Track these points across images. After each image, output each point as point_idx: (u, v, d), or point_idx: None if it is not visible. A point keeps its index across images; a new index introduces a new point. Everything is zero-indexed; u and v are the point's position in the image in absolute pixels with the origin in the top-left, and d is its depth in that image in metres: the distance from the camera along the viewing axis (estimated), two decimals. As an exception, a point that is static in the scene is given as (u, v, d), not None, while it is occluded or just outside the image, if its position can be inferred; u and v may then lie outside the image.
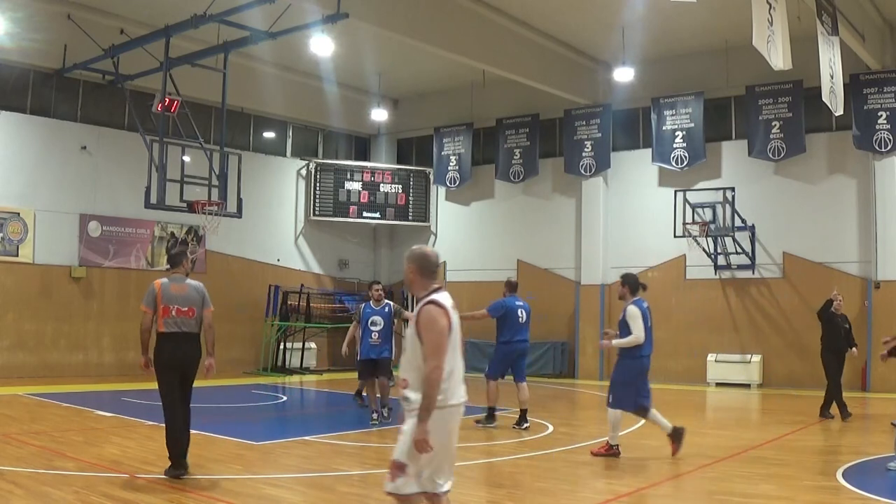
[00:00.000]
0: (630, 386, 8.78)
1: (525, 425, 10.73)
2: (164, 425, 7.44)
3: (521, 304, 11.14)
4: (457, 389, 4.50)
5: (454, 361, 4.48)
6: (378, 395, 11.04)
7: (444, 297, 4.52)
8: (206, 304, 7.62)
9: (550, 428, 10.88)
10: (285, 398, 14.63)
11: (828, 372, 11.90)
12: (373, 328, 10.86)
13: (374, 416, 10.92)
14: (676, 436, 8.74)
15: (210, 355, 7.49)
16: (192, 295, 7.50)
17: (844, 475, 7.57)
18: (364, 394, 12.26)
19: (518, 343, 11.05)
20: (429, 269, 4.63)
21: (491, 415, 11.02)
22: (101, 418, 10.91)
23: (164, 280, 7.52)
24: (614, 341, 8.85)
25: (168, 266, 7.78)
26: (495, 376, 11.10)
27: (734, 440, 10.01)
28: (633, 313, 8.68)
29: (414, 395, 4.39)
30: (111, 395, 13.47)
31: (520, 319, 11.00)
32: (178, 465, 7.26)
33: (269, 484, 7.30)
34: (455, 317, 4.53)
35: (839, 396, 11.80)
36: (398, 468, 4.41)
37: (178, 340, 7.38)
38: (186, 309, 7.43)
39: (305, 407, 14.62)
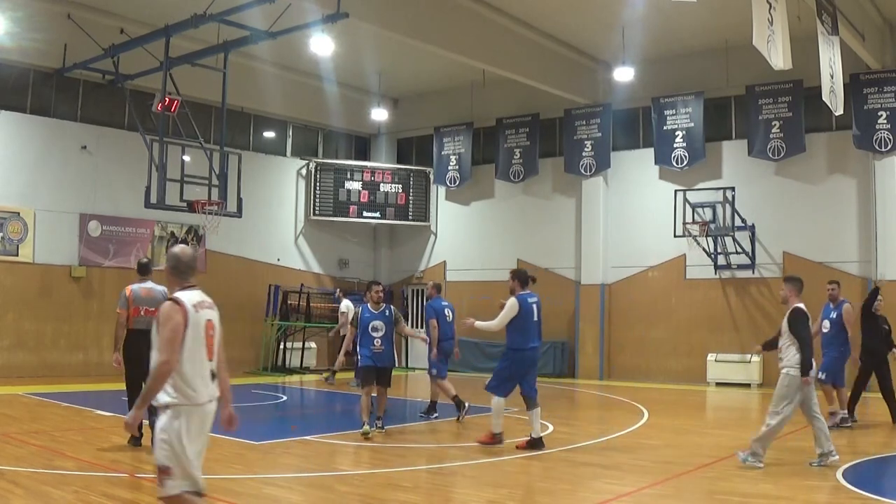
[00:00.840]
0: (511, 374, 9.28)
1: (434, 415, 11.65)
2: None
3: (446, 304, 12.01)
4: (205, 388, 4.57)
5: (200, 360, 4.56)
6: (375, 404, 10.19)
7: (188, 296, 4.62)
8: None
9: (550, 428, 10.87)
10: (285, 398, 14.62)
11: (860, 370, 11.36)
12: (374, 334, 9.93)
13: (366, 425, 9.86)
14: (535, 443, 9.12)
15: None
16: (158, 297, 8.64)
17: (844, 475, 7.56)
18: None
19: (449, 341, 11.81)
20: (179, 269, 4.76)
21: (459, 404, 11.40)
22: (101, 418, 10.91)
23: (134, 286, 8.95)
24: (476, 322, 9.46)
25: (138, 273, 9.20)
26: (444, 374, 11.78)
27: (734, 440, 10.00)
28: (509, 303, 9.19)
29: (161, 395, 4.46)
30: (111, 394, 13.44)
31: (447, 319, 11.81)
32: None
33: (269, 484, 7.30)
34: (198, 315, 4.58)
35: (855, 398, 11.38)
36: (164, 472, 4.47)
37: (144, 335, 8.33)
38: (153, 309, 8.34)
39: (305, 407, 14.62)
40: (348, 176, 21.52)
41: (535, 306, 9.30)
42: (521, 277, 9.41)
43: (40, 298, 16.32)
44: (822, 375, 10.86)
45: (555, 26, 17.33)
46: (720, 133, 18.35)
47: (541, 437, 9.20)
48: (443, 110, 21.95)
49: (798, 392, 7.97)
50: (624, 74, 17.35)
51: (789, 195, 17.24)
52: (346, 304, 17.14)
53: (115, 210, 17.41)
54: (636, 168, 19.18)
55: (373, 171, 21.84)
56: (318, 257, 21.65)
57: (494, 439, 9.25)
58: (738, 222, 16.81)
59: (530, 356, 9.34)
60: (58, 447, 8.52)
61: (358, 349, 10.18)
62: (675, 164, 18.24)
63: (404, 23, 14.88)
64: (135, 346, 8.65)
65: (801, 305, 8.32)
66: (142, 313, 8.79)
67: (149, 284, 9.03)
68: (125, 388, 8.86)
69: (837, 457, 8.01)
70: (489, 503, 6.73)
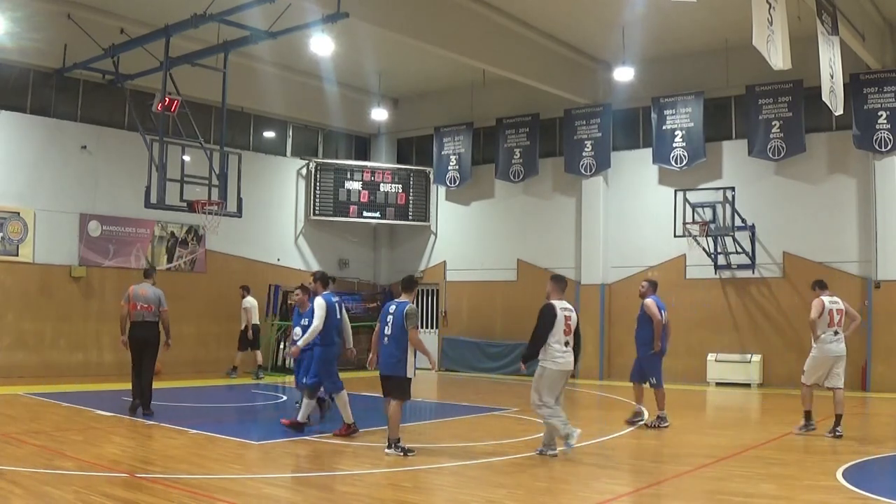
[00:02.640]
0: (331, 366, 9.90)
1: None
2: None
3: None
4: None
5: None
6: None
7: None
8: (162, 305, 11.16)
9: (550, 428, 10.86)
10: (285, 398, 14.62)
11: None
12: None
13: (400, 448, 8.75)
14: (297, 427, 9.83)
15: (168, 338, 11.27)
16: (151, 297, 11.12)
17: (844, 475, 7.57)
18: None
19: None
20: None
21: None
22: (101, 418, 10.91)
23: (135, 286, 11.29)
24: (300, 342, 10.06)
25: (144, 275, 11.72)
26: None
27: (734, 440, 10.01)
28: (318, 303, 9.93)
29: None
30: (111, 394, 13.46)
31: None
32: (135, 406, 11.03)
33: (269, 484, 7.30)
34: None
35: None
36: None
37: (141, 325, 11.06)
38: (147, 306, 11.08)
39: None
40: (348, 176, 21.52)
41: (337, 305, 10.14)
42: (323, 279, 10.30)
43: (40, 298, 16.31)
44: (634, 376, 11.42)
45: (555, 26, 17.32)
46: (720, 133, 18.34)
47: (354, 422, 9.75)
48: (443, 110, 21.94)
49: (558, 379, 8.62)
50: (624, 74, 17.34)
51: (789, 195, 17.23)
52: (248, 301, 17.73)
53: (115, 210, 17.41)
54: (636, 168, 19.17)
55: (373, 171, 21.84)
56: (318, 257, 21.63)
57: (350, 429, 9.77)
58: (738, 222, 16.80)
59: (335, 351, 10.12)
60: (58, 447, 8.52)
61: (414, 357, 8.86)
62: (673, 163, 18.24)
63: (404, 23, 14.88)
64: (134, 334, 11.06)
65: (553, 302, 8.72)
66: (138, 308, 11.03)
67: (145, 285, 11.28)
68: (131, 365, 11.22)
69: (555, 452, 8.58)
70: (489, 503, 6.73)
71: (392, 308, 8.89)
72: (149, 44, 14.94)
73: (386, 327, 8.80)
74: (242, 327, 17.65)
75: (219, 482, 7.19)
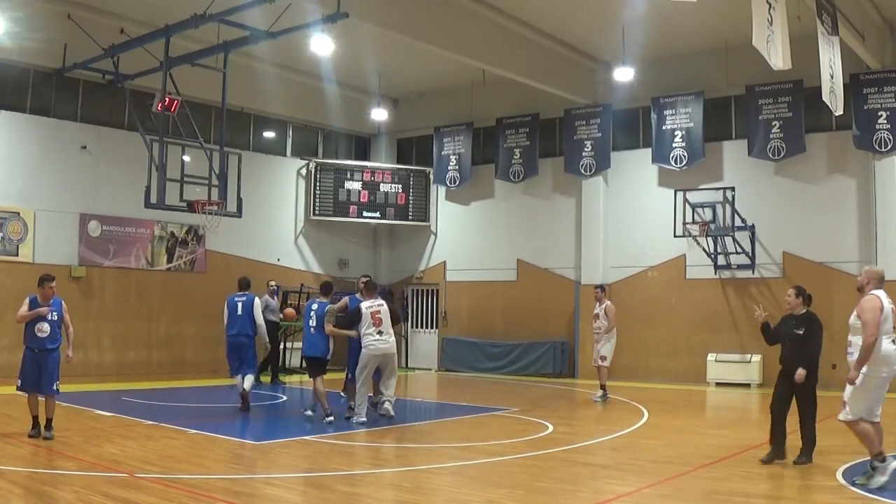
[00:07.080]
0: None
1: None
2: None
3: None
4: None
5: None
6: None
7: None
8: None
9: (550, 428, 10.88)
10: (285, 398, 14.62)
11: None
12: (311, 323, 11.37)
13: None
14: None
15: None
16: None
17: (844, 475, 7.56)
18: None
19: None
20: None
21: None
22: (101, 418, 10.92)
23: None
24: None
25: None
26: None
27: (734, 440, 10.01)
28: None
29: None
30: (111, 395, 13.46)
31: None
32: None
33: (269, 484, 7.30)
34: None
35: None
36: None
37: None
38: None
39: (305, 407, 14.59)
40: (348, 176, 21.52)
41: (239, 304, 11.90)
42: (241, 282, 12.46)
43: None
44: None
45: (555, 26, 17.32)
46: (720, 133, 18.34)
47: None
48: (443, 110, 21.94)
49: (370, 362, 10.64)
50: (624, 74, 17.33)
51: (789, 195, 17.23)
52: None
53: (115, 210, 17.40)
54: (636, 168, 19.17)
55: (373, 171, 21.84)
56: (318, 257, 21.63)
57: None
58: (738, 222, 16.80)
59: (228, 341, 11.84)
60: (58, 447, 8.52)
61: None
62: (673, 163, 18.24)
63: (404, 23, 14.88)
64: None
65: (362, 303, 10.91)
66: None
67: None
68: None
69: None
70: (489, 503, 6.73)
71: (315, 307, 11.22)
72: (149, 44, 14.93)
73: (311, 321, 11.09)
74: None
75: (219, 482, 7.19)
